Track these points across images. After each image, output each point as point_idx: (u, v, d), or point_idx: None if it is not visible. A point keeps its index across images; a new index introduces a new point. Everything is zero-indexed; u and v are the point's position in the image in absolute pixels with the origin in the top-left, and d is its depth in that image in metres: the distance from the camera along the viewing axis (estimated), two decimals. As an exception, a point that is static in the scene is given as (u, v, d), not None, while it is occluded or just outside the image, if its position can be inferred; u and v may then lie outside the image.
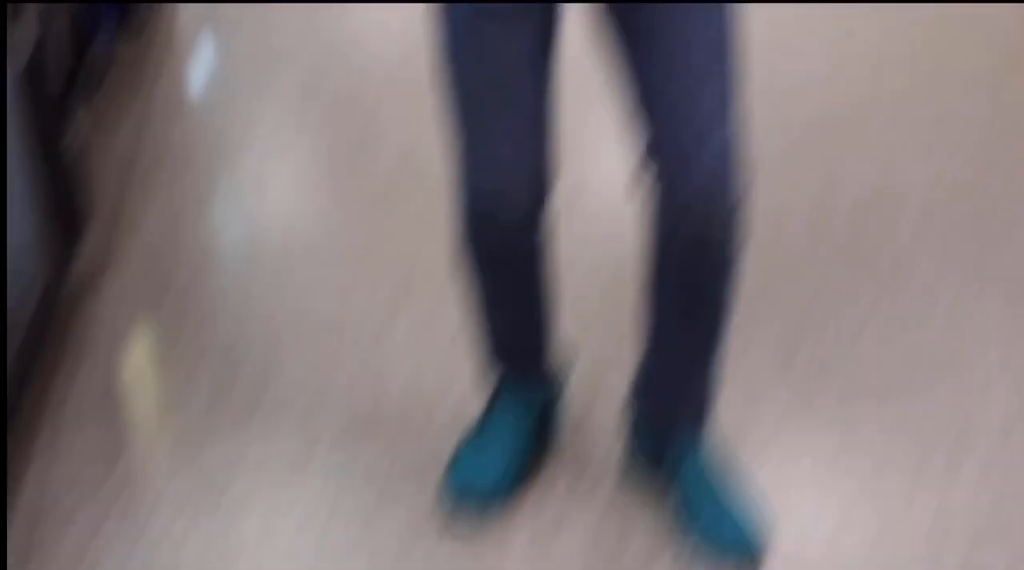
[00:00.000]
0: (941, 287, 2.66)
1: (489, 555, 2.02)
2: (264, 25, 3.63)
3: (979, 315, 2.58)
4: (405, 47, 3.46)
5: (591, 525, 2.08)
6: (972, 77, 3.33)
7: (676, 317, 1.92)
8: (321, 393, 2.37)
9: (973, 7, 3.59)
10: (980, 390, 2.39)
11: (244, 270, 2.76)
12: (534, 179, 1.87)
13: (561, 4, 1.80)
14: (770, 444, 2.27)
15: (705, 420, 2.05)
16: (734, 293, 1.90)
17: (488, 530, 2.07)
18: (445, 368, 2.44)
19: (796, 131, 3.12)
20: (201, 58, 3.52)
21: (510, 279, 2.01)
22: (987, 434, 2.28)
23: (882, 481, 2.18)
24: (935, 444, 2.26)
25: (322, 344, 2.51)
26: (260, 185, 3.06)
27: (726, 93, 1.75)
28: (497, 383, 2.18)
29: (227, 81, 3.42)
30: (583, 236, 2.78)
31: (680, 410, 2.04)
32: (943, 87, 3.29)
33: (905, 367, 2.45)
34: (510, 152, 1.84)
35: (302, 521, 2.09)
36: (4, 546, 1.98)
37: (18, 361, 2.15)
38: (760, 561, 1.98)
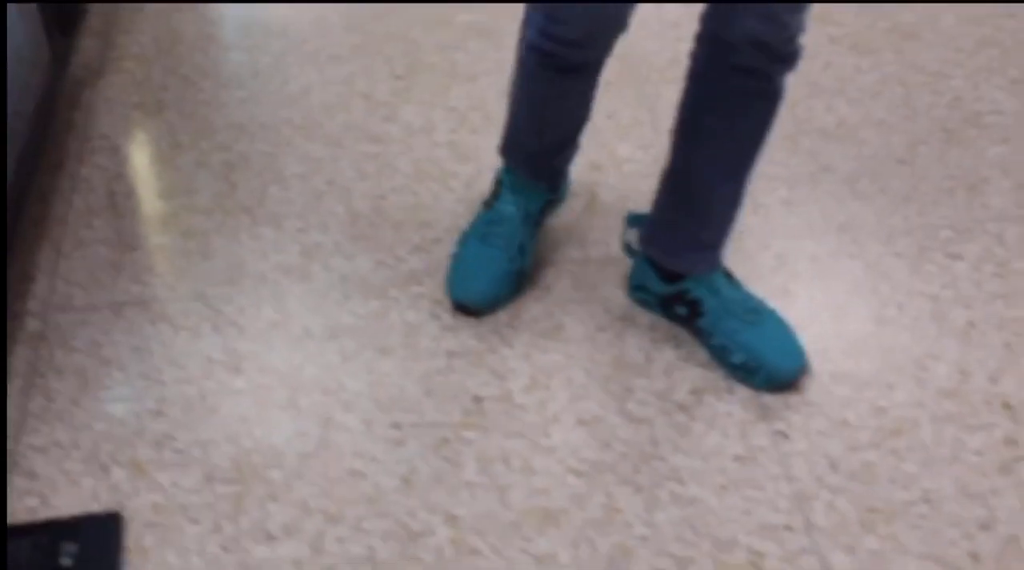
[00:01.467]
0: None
1: (490, 354, 2.05)
2: None
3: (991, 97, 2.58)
4: None
5: (590, 324, 2.11)
6: None
7: (714, 136, 1.90)
8: (321, 195, 2.38)
9: None
10: (982, 182, 2.40)
11: (245, 62, 2.73)
12: (626, 12, 1.83)
13: None
14: (772, 230, 2.28)
15: (724, 243, 2.02)
16: (772, 123, 1.87)
17: (490, 330, 2.09)
18: (444, 165, 2.44)
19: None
20: None
21: (566, 92, 1.98)
22: (984, 231, 2.30)
23: (883, 270, 2.20)
24: (934, 238, 2.28)
25: (322, 141, 2.50)
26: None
27: None
28: (504, 179, 2.17)
29: None
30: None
31: (703, 230, 2.01)
32: None
33: (909, 147, 2.46)
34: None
35: (304, 327, 2.11)
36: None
37: (23, 155, 2.15)
38: (805, 371, 2.00)
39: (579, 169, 2.31)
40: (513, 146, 2.14)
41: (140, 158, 2.50)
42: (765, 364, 1.97)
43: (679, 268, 2.04)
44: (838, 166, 2.42)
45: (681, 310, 2.05)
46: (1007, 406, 1.95)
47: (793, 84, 1.83)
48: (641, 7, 1.83)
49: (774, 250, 2.24)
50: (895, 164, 2.43)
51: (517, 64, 1.99)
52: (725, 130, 1.90)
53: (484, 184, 2.33)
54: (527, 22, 1.92)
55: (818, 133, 2.50)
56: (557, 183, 2.20)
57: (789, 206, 2.34)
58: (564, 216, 2.24)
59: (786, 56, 1.79)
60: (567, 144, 2.12)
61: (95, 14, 2.77)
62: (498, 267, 2.12)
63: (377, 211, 2.33)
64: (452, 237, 2.23)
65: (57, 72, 2.41)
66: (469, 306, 2.11)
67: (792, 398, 1.96)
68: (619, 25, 1.83)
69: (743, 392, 1.97)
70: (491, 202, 2.18)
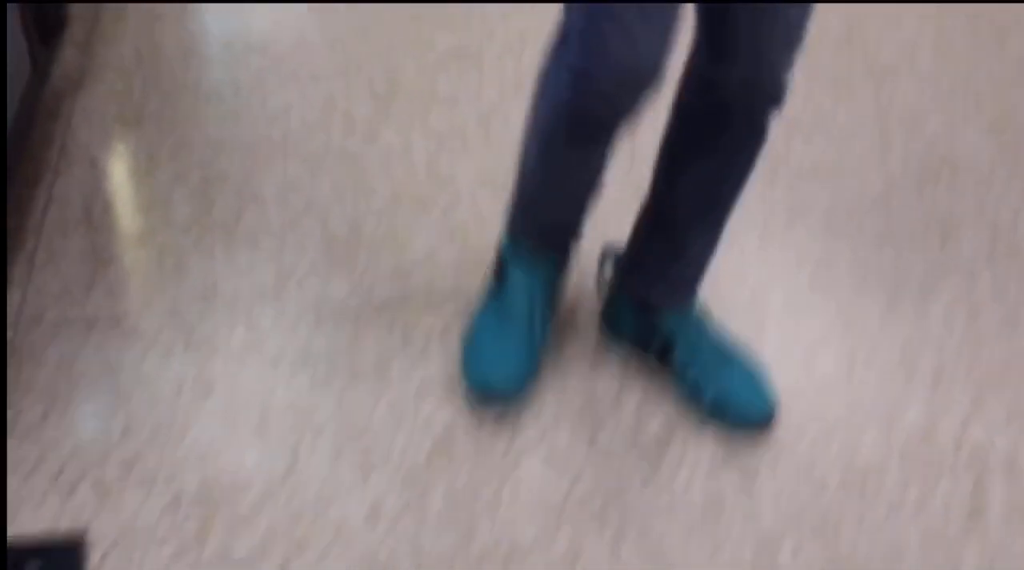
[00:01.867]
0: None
1: (461, 384, 2.03)
2: None
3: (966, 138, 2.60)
4: None
5: (561, 357, 2.11)
6: None
7: (698, 173, 1.90)
8: (298, 215, 2.37)
9: None
10: (956, 226, 2.42)
11: (226, 78, 2.73)
12: (660, 62, 1.70)
13: None
14: (746, 268, 2.29)
15: (700, 279, 2.03)
16: (756, 162, 1.88)
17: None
18: (422, 190, 2.44)
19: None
20: None
21: (588, 157, 1.87)
22: (957, 275, 2.31)
23: (855, 311, 2.21)
24: (907, 280, 2.29)
25: (301, 161, 2.50)
26: (242, -11, 3.00)
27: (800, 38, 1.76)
28: (510, 259, 2.05)
29: None
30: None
31: (680, 266, 2.00)
32: None
33: (884, 188, 2.47)
34: (647, 34, 1.66)
35: (277, 350, 2.10)
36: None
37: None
38: (776, 416, 1.99)
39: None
40: (526, 220, 2.03)
41: (118, 171, 2.49)
42: (736, 404, 1.97)
43: (654, 303, 2.04)
44: (814, 205, 2.44)
45: (654, 345, 2.05)
46: (976, 454, 1.96)
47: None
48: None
49: (748, 287, 2.25)
50: (870, 204, 2.44)
51: (534, 132, 1.87)
52: (709, 167, 1.90)
53: (461, 211, 2.34)
54: (549, 84, 1.79)
55: (795, 171, 2.52)
56: (570, 248, 2.08)
57: (764, 243, 2.35)
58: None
59: (774, 94, 1.80)
60: (586, 209, 2.00)
61: (76, 24, 2.76)
62: (521, 349, 2.02)
63: (354, 234, 2.33)
64: (428, 264, 2.24)
65: (37, 82, 2.40)
66: (500, 396, 2.00)
67: (761, 439, 1.97)
68: (655, 75, 1.69)
69: (713, 431, 1.97)
70: (500, 282, 2.06)
